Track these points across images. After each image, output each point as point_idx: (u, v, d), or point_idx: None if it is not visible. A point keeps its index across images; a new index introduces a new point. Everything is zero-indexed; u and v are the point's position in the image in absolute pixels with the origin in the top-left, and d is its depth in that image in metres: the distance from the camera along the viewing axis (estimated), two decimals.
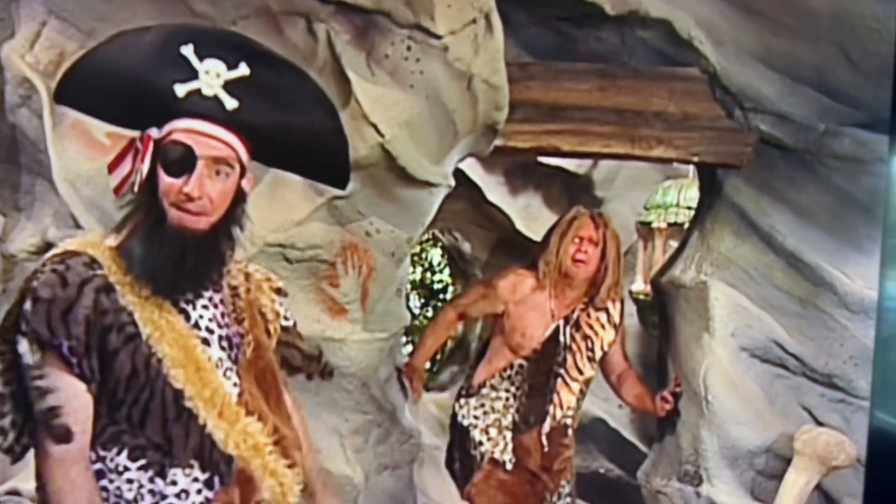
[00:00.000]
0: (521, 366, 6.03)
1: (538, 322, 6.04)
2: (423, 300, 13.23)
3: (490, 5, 5.49)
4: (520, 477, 5.91)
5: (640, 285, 9.13)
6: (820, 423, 6.60)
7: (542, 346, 6.02)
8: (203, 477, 2.83)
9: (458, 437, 6.12)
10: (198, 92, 2.72)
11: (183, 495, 2.80)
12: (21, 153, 5.58)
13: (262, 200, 5.02)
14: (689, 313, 6.89)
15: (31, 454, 2.85)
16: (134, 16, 5.10)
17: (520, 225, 9.30)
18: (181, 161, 2.70)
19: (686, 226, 8.05)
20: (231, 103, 2.73)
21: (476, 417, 6.00)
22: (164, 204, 2.74)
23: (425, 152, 5.55)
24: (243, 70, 2.75)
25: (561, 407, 5.99)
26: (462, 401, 6.13)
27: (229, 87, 2.73)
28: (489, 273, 8.64)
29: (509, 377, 6.02)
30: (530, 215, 9.20)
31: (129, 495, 2.77)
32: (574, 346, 6.03)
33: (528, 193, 9.49)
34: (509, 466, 5.89)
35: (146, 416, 2.77)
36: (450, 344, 10.59)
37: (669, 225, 9.07)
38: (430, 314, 12.69)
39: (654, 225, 9.16)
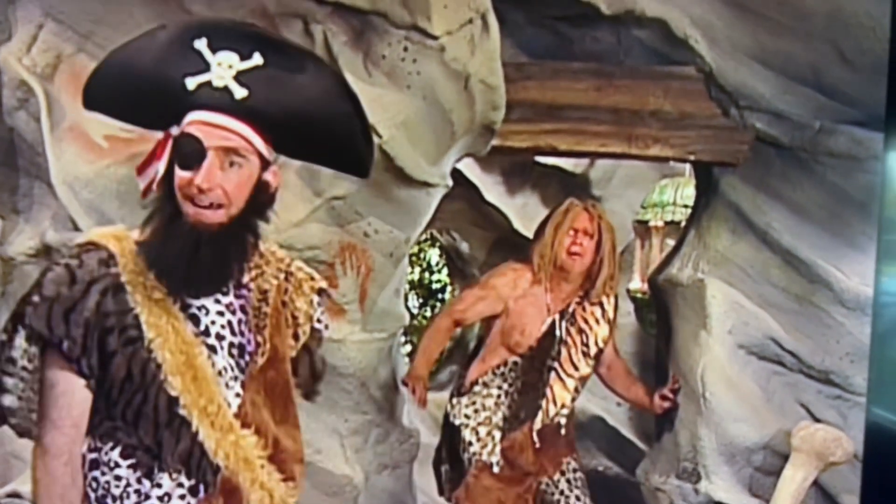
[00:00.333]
0: (515, 363, 5.86)
1: (536, 318, 5.87)
2: (421, 300, 13.19)
3: (486, 5, 5.48)
4: (507, 479, 5.75)
5: (637, 283, 9.08)
6: (817, 420, 6.55)
7: (538, 342, 5.85)
8: (188, 483, 2.79)
9: (449, 437, 5.96)
10: (208, 84, 2.67)
11: (166, 499, 2.77)
12: (19, 156, 5.57)
13: None
14: (687, 311, 6.86)
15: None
16: (130, 17, 5.14)
17: (517, 224, 9.26)
18: (191, 153, 2.66)
19: (683, 224, 8.05)
20: (240, 92, 2.67)
21: (467, 416, 5.84)
22: (180, 199, 2.70)
23: (423, 153, 5.53)
24: (257, 60, 2.69)
25: (554, 403, 5.82)
26: (454, 400, 5.97)
27: (242, 77, 2.68)
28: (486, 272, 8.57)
29: (502, 374, 5.86)
30: (528, 215, 9.12)
31: (116, 491, 2.76)
32: (569, 340, 5.87)
33: (525, 193, 9.45)
34: (496, 469, 5.73)
35: (138, 418, 2.75)
36: (448, 343, 10.53)
37: (666, 223, 9.06)
38: (428, 314, 12.66)
39: (651, 223, 9.16)
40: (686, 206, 8.49)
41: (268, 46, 2.75)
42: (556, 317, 5.89)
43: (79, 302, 2.67)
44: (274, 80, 2.72)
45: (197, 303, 2.82)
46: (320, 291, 3.20)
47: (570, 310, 5.91)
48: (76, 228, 5.18)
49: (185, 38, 2.72)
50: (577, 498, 5.91)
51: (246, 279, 2.92)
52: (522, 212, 9.28)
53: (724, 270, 6.78)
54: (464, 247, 10.51)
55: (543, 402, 5.80)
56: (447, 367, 10.36)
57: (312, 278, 3.18)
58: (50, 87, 5.23)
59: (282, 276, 3.06)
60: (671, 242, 8.27)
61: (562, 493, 5.88)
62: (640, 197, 9.28)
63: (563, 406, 5.85)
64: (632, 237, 9.34)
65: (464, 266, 10.69)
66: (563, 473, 5.87)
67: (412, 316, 9.59)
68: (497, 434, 5.76)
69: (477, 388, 5.88)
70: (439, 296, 13.01)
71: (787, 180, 6.63)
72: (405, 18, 5.28)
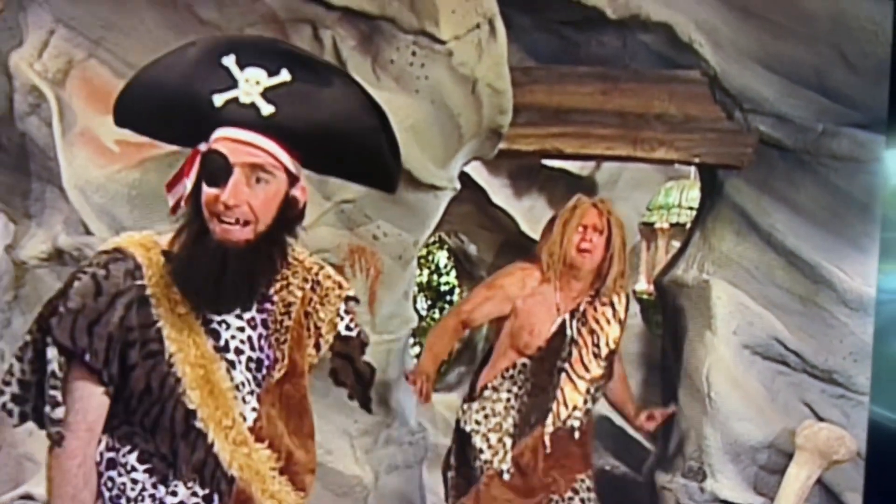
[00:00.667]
0: (524, 365, 5.61)
1: (545, 317, 5.61)
2: (430, 302, 13.14)
3: (493, 10, 5.45)
4: (518, 490, 5.50)
5: (643, 285, 9.08)
6: (820, 419, 6.55)
7: (548, 342, 5.59)
8: (202, 493, 2.78)
9: (460, 443, 5.72)
10: (235, 100, 2.64)
11: None
12: (31, 161, 5.56)
13: None
14: (692, 312, 6.87)
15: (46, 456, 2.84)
16: (141, 24, 5.14)
17: (524, 227, 9.23)
18: (218, 170, 2.62)
19: (688, 226, 8.05)
20: (267, 109, 2.63)
21: (478, 423, 5.59)
22: (207, 216, 2.66)
23: (431, 156, 5.50)
24: (284, 76, 2.65)
25: (566, 405, 5.53)
26: (465, 406, 5.73)
27: (269, 93, 2.64)
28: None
29: (511, 377, 5.61)
30: (535, 217, 9.08)
31: (132, 494, 2.75)
32: (580, 341, 5.59)
33: (532, 196, 9.41)
34: (507, 477, 5.48)
35: (156, 427, 2.74)
36: (456, 345, 10.51)
37: (672, 225, 9.08)
38: (436, 316, 12.63)
39: (657, 225, 9.17)
40: (691, 208, 8.51)
41: (295, 62, 2.72)
42: (567, 316, 5.63)
43: (103, 315, 2.66)
44: (301, 95, 2.68)
45: (218, 318, 2.80)
46: (347, 299, 3.16)
47: (581, 309, 5.65)
48: (88, 232, 5.19)
49: (213, 54, 2.69)
50: None
51: (271, 292, 2.89)
52: (529, 214, 9.24)
53: (728, 271, 6.77)
54: (472, 249, 10.48)
55: (554, 405, 5.54)
56: (455, 369, 10.33)
57: (340, 286, 3.14)
58: (61, 93, 5.20)
59: (308, 285, 3.02)
60: (676, 244, 8.29)
61: None
62: (646, 199, 9.30)
63: (574, 408, 5.56)
64: (638, 239, 9.33)
65: (472, 268, 10.66)
66: (576, 492, 5.58)
67: (421, 318, 9.58)
68: (508, 441, 5.53)
69: (487, 393, 5.65)
70: (447, 298, 12.98)
71: (791, 182, 6.63)
72: (413, 23, 5.25)
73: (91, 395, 2.70)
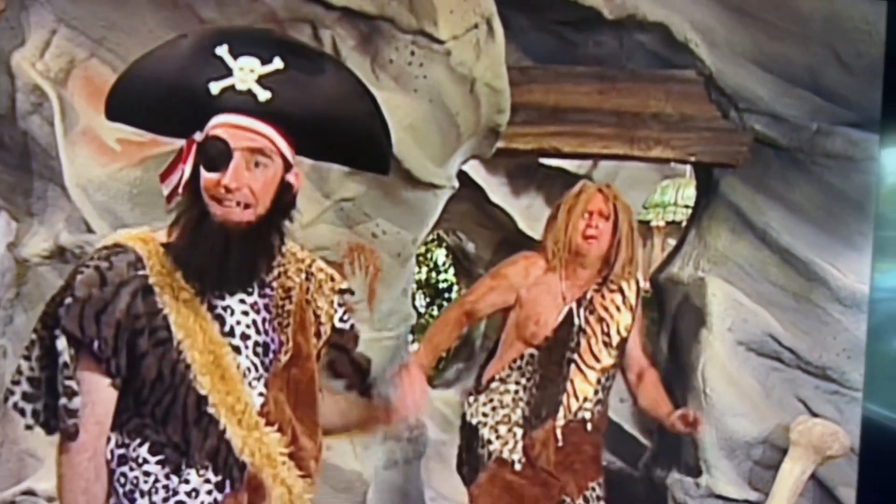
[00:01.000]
0: (531, 355, 5.30)
1: (551, 307, 5.31)
2: (428, 299, 13.14)
3: (491, 11, 5.43)
4: (530, 478, 5.20)
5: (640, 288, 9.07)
6: (815, 414, 6.57)
7: (555, 332, 5.28)
8: (215, 479, 2.75)
9: (467, 437, 5.44)
10: (231, 88, 2.64)
11: (193, 494, 2.73)
12: (33, 159, 5.54)
13: None
14: (688, 309, 6.89)
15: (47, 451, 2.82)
16: (143, 23, 5.12)
17: (522, 225, 9.22)
18: (218, 155, 2.63)
19: (684, 224, 8.09)
20: (264, 95, 2.64)
21: (485, 415, 5.32)
22: (207, 200, 2.67)
23: (429, 155, 5.48)
24: (277, 64, 2.67)
25: (576, 397, 5.25)
26: (471, 398, 5.46)
27: (263, 80, 2.65)
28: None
29: (519, 368, 5.31)
30: (532, 215, 9.08)
31: (145, 486, 2.72)
32: (588, 330, 5.30)
33: (530, 194, 9.40)
34: (518, 466, 5.18)
35: (168, 416, 2.72)
36: (456, 341, 10.51)
37: (668, 223, 9.10)
38: (435, 313, 12.63)
39: (653, 223, 9.19)
40: (687, 207, 8.53)
41: (287, 50, 2.73)
42: (573, 305, 5.33)
43: (109, 303, 2.65)
44: (295, 82, 2.69)
45: (222, 303, 2.79)
46: (341, 292, 3.16)
47: (588, 297, 5.37)
48: (89, 230, 5.18)
49: (206, 45, 2.71)
50: None
51: (269, 278, 2.89)
52: (527, 212, 9.24)
53: (724, 269, 6.78)
54: (470, 247, 10.47)
55: (564, 398, 5.26)
56: (453, 366, 10.32)
57: (333, 279, 3.14)
58: (63, 92, 5.19)
59: (303, 276, 3.02)
60: (672, 242, 8.34)
61: None
62: (642, 198, 9.30)
63: (585, 399, 5.28)
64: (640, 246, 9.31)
65: (470, 266, 10.65)
66: (586, 501, 5.32)
67: (419, 315, 9.57)
68: (518, 431, 5.26)
69: (494, 385, 5.37)
70: (446, 295, 12.98)
71: (786, 181, 6.64)
72: (412, 23, 5.23)
73: (99, 387, 2.68)
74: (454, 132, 5.52)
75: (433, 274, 13.14)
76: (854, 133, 6.41)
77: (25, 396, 2.72)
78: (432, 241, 12.13)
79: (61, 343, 2.65)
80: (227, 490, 2.77)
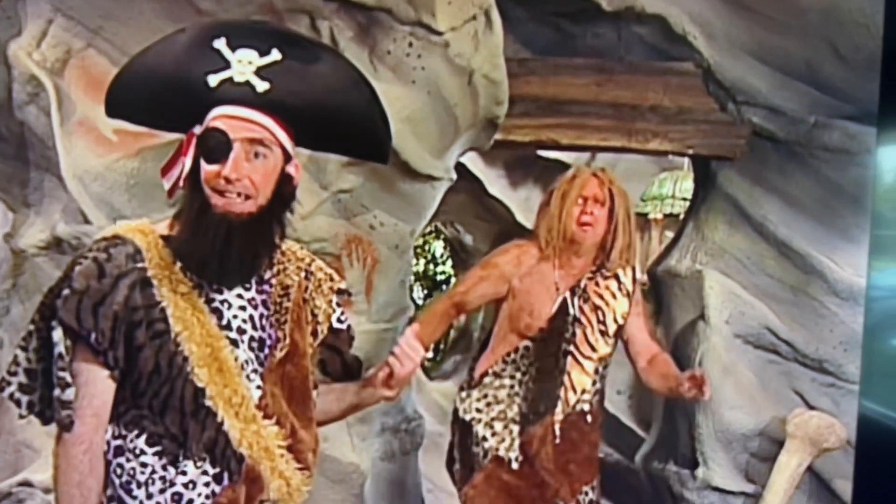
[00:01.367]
0: (527, 348, 5.09)
1: (545, 297, 5.09)
2: (426, 291, 13.20)
3: (489, 2, 5.40)
4: (527, 479, 4.99)
5: (637, 275, 9.05)
6: (811, 407, 6.58)
7: (549, 323, 5.06)
8: (213, 471, 2.75)
9: (460, 434, 5.24)
10: (230, 80, 2.65)
11: (191, 486, 2.73)
12: (29, 150, 5.53)
13: None
14: (685, 301, 6.88)
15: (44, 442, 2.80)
16: (140, 14, 5.09)
17: (520, 217, 9.22)
18: (218, 147, 2.63)
19: (681, 216, 8.10)
20: (262, 86, 2.64)
21: (479, 410, 5.11)
22: (208, 192, 2.67)
23: (427, 147, 5.45)
24: (275, 55, 2.67)
25: (574, 390, 5.03)
26: (463, 394, 5.24)
27: (262, 72, 2.66)
28: None
29: (514, 361, 5.10)
30: (530, 207, 9.03)
31: (142, 478, 2.72)
32: (584, 319, 5.07)
33: (527, 186, 9.40)
34: (515, 465, 4.98)
35: (165, 407, 2.72)
36: (452, 333, 10.50)
37: (665, 216, 9.12)
38: None
39: (651, 216, 9.21)
40: (684, 199, 8.54)
41: (285, 41, 2.73)
42: (567, 294, 5.11)
43: (108, 295, 2.64)
44: (294, 72, 2.70)
45: (220, 297, 2.79)
46: (339, 291, 3.17)
47: (582, 285, 5.13)
48: (86, 221, 5.16)
49: (204, 38, 2.70)
50: None
51: (268, 275, 2.90)
52: (525, 205, 9.23)
53: (721, 261, 6.78)
54: (467, 239, 10.49)
55: (562, 391, 5.04)
56: (451, 357, 10.33)
57: (332, 278, 3.15)
58: (60, 82, 5.17)
59: (302, 274, 3.02)
60: (670, 234, 8.37)
61: None
62: (640, 190, 9.31)
63: (583, 392, 5.07)
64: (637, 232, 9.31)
65: (467, 258, 10.66)
66: None
67: (417, 307, 9.55)
68: (515, 428, 5.05)
69: (487, 380, 5.16)
70: (443, 287, 12.98)
71: (783, 174, 6.63)
72: (410, 15, 5.19)
73: (96, 379, 2.67)
74: (452, 124, 5.48)
75: (431, 266, 13.17)
76: (851, 126, 6.39)
77: (21, 387, 2.72)
78: (430, 232, 12.17)
79: (57, 334, 2.63)
80: (225, 482, 2.77)
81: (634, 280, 5.28)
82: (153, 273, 2.70)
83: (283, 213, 2.78)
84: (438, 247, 13.00)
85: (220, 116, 2.65)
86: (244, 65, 2.64)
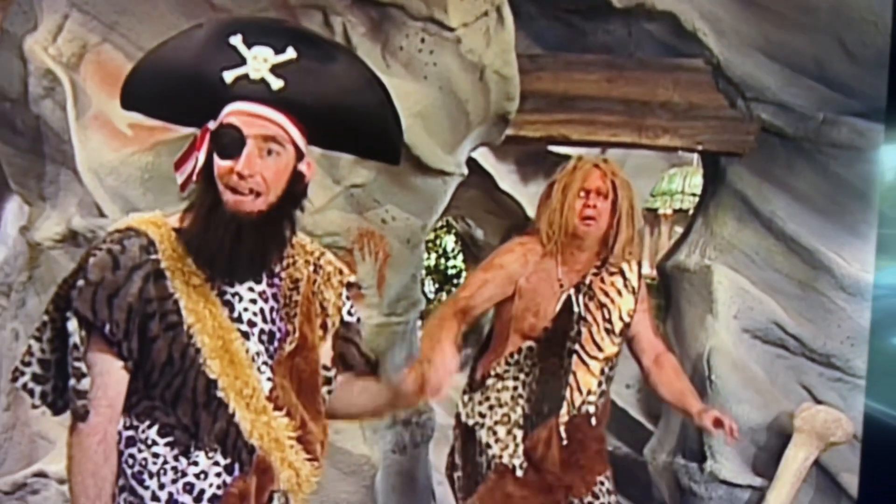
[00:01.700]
0: (530, 348, 4.91)
1: (549, 295, 4.91)
2: (437, 285, 13.21)
3: None
4: (533, 487, 4.84)
5: (646, 269, 9.03)
6: (818, 401, 6.55)
7: (554, 322, 4.88)
8: (224, 462, 2.78)
9: (462, 439, 5.09)
10: (245, 76, 2.67)
11: (202, 476, 2.76)
12: (45, 143, 5.57)
13: None
14: (694, 296, 6.84)
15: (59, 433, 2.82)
16: (155, 9, 5.12)
17: (531, 212, 9.12)
18: (232, 143, 2.65)
19: (691, 212, 8.09)
20: (277, 83, 2.66)
21: (482, 415, 4.95)
22: (220, 188, 2.69)
23: (439, 142, 5.44)
24: (290, 53, 2.68)
25: (580, 391, 4.87)
26: (465, 397, 5.09)
27: (277, 69, 2.68)
28: None
29: (517, 362, 4.93)
30: None
31: (153, 468, 2.75)
32: (589, 317, 4.89)
33: (538, 181, 9.33)
34: (520, 473, 4.82)
35: (177, 398, 2.75)
36: (464, 327, 10.47)
37: (675, 211, 9.12)
38: (444, 299, 12.59)
39: (660, 211, 9.20)
40: (694, 195, 8.54)
41: (300, 40, 2.75)
42: (572, 291, 4.92)
43: (122, 287, 2.67)
44: (308, 71, 2.71)
45: (231, 290, 2.81)
46: (349, 285, 3.18)
47: (587, 282, 4.95)
48: (101, 215, 5.19)
49: (220, 35, 2.71)
50: None
51: (278, 269, 2.92)
52: (535, 200, 9.05)
53: (730, 257, 6.74)
54: (478, 233, 10.47)
55: (567, 392, 4.86)
56: (462, 351, 10.26)
57: (341, 272, 3.16)
58: (75, 77, 5.19)
59: (311, 268, 3.04)
60: (679, 230, 8.34)
61: None
62: (650, 185, 9.32)
63: (589, 392, 4.90)
64: (641, 225, 9.28)
65: (478, 252, 10.64)
66: (596, 497, 4.93)
67: (428, 301, 9.56)
68: (518, 433, 4.87)
69: (490, 382, 4.99)
70: (454, 281, 13.00)
71: (791, 170, 6.60)
72: (422, 10, 5.20)
73: (111, 370, 2.69)
74: (464, 119, 5.48)
75: (442, 260, 13.17)
76: (860, 123, 6.35)
77: (35, 378, 2.74)
78: (441, 227, 12.18)
79: (72, 325, 2.66)
80: (236, 473, 2.81)
81: (640, 276, 5.12)
82: (166, 265, 2.72)
83: (294, 211, 2.81)
84: (450, 241, 12.99)
85: (234, 112, 2.66)
86: (259, 62, 2.66)
